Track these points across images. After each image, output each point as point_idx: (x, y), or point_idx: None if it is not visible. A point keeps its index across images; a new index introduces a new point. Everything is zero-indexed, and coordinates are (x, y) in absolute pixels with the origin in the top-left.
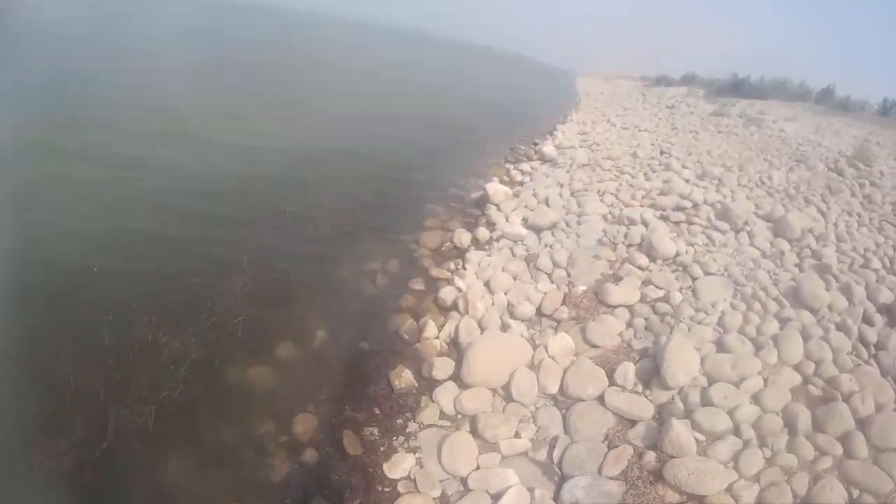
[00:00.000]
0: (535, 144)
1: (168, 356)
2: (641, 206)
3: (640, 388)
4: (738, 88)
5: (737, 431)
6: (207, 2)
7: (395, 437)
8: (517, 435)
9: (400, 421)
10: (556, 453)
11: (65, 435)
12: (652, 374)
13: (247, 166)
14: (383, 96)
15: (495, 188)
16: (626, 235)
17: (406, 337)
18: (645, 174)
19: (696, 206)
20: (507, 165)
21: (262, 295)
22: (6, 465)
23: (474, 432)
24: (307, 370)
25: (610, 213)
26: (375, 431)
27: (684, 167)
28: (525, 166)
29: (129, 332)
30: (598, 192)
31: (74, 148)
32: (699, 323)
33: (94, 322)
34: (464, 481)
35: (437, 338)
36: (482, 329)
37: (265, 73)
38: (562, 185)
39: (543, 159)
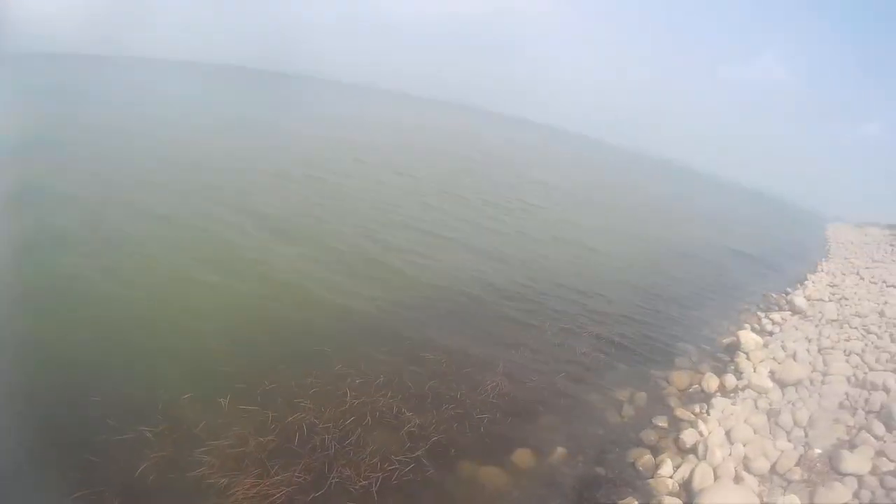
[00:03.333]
0: (787, 294)
1: (408, 432)
2: (885, 370)
3: None
4: None
5: None
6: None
7: None
8: None
9: None
10: None
11: (287, 470)
12: None
13: (533, 272)
14: (646, 230)
15: (747, 336)
16: (866, 401)
17: (641, 470)
18: (891, 335)
19: None
20: (759, 313)
21: (510, 400)
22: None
23: None
24: (539, 482)
25: (854, 375)
26: None
27: None
28: (776, 316)
29: (373, 399)
30: (844, 351)
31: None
32: None
33: (340, 382)
34: None
35: (671, 477)
36: (716, 477)
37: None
38: (810, 341)
39: (794, 310)
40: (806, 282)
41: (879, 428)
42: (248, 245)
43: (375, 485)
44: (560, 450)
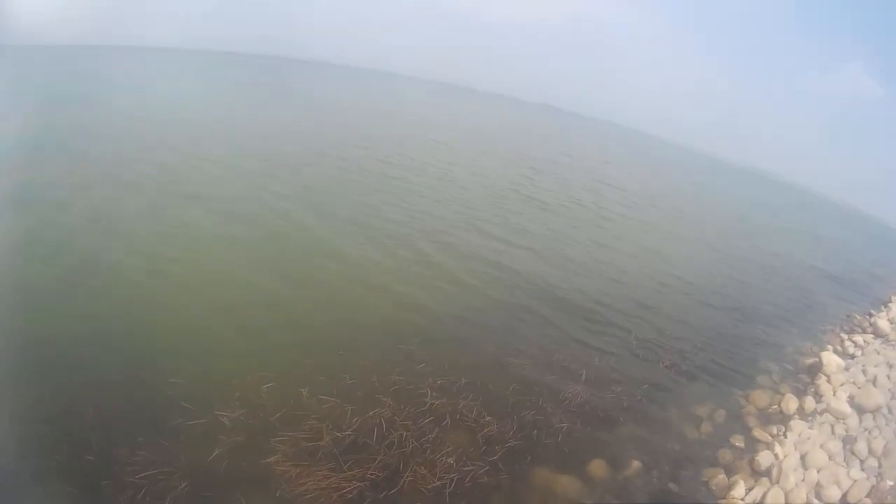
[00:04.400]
0: (870, 315)
1: (485, 436)
2: None
3: None
4: None
5: None
6: None
7: None
8: None
9: None
10: None
11: (361, 465)
12: None
13: (612, 284)
14: (727, 241)
15: (829, 358)
16: None
17: (714, 490)
18: None
19: None
20: (843, 335)
21: (590, 409)
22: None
23: None
24: (612, 494)
25: None
26: None
27: None
28: (859, 338)
29: (453, 401)
30: None
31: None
32: None
33: (422, 381)
34: None
35: (743, 500)
36: (787, 503)
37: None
38: (891, 367)
39: (877, 333)
40: (890, 303)
41: None
42: (341, 243)
43: (449, 486)
44: (636, 463)
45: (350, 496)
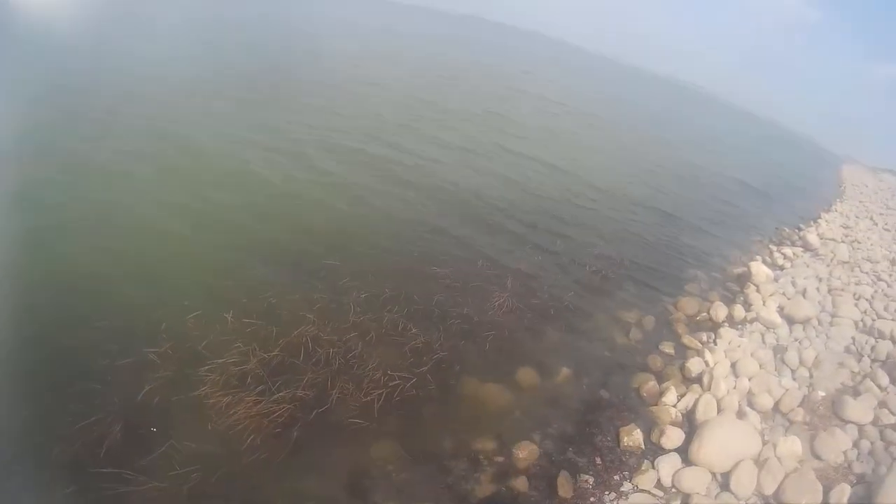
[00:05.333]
0: (799, 230)
1: (412, 348)
2: (893, 319)
3: None
4: None
5: None
6: None
7: (607, 493)
8: None
9: (616, 478)
10: None
11: (290, 386)
12: (864, 502)
13: (535, 185)
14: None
15: (758, 268)
16: (872, 349)
17: (645, 396)
18: None
19: None
20: (772, 246)
21: (518, 317)
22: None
23: None
24: (542, 401)
25: (862, 320)
26: (591, 480)
27: None
28: (788, 251)
29: (379, 314)
30: (854, 295)
31: None
32: None
33: (345, 296)
34: None
35: (675, 406)
36: (720, 410)
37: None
38: (820, 280)
39: (806, 247)
40: (819, 220)
41: (884, 378)
42: (252, 157)
43: (378, 401)
44: (565, 370)
45: (281, 419)
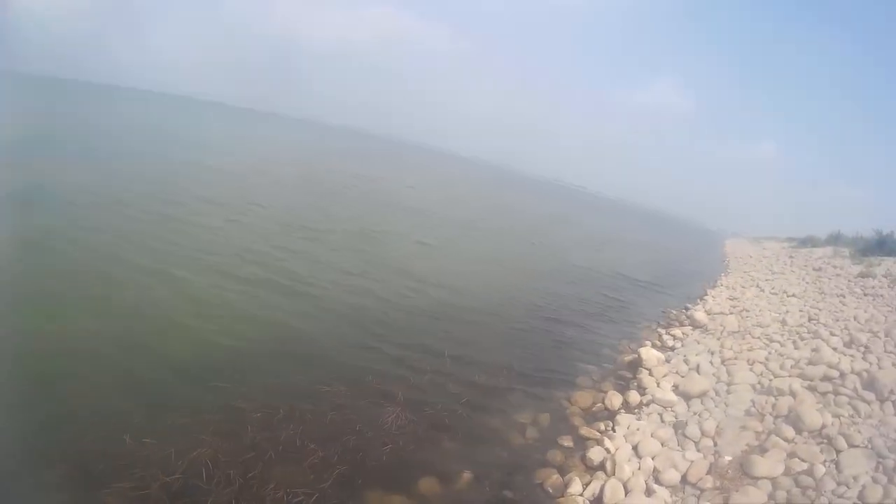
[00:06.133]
0: (687, 309)
1: (311, 464)
2: (790, 375)
3: None
4: (883, 246)
5: None
6: None
7: None
8: None
9: None
10: None
11: None
12: None
13: (415, 299)
14: (536, 255)
15: (648, 353)
16: (773, 406)
17: (550, 491)
18: (794, 342)
19: (843, 375)
20: (660, 330)
21: (412, 428)
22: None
23: None
24: None
25: (759, 382)
26: None
27: (832, 334)
28: (677, 331)
29: (275, 433)
30: (748, 360)
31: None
32: (840, 497)
33: (240, 416)
34: None
35: (581, 495)
36: (627, 492)
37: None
38: (712, 353)
39: (695, 325)
40: (706, 297)
41: (789, 431)
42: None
43: None
44: (466, 475)
45: None
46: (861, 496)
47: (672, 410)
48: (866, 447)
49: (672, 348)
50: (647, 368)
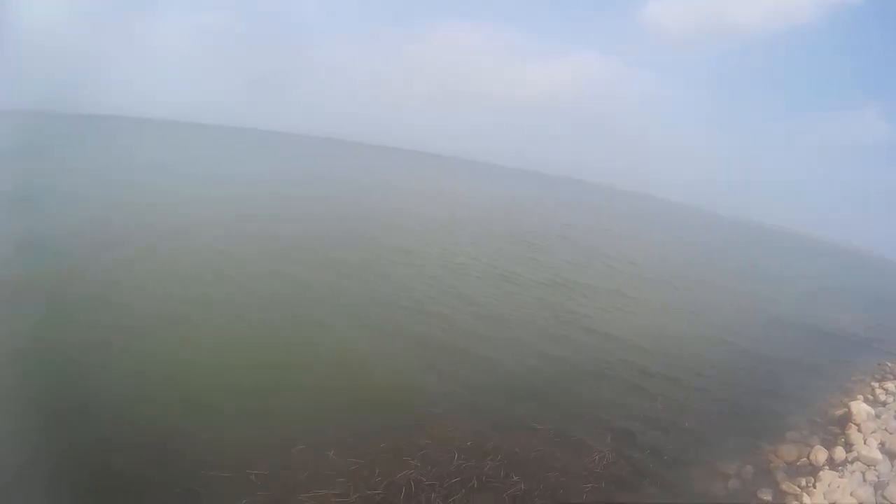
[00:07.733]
0: None
1: (512, 495)
2: None
3: None
4: None
5: None
6: None
7: None
8: None
9: None
10: None
11: None
12: None
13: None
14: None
15: (858, 407)
16: None
17: None
18: None
19: None
20: (873, 383)
21: (615, 470)
22: None
23: None
24: None
25: None
26: None
27: None
28: (890, 385)
29: (480, 463)
30: None
31: None
32: None
33: (449, 442)
34: None
35: None
36: None
37: None
38: None
39: None
40: None
41: None
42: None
43: None
44: None
45: None
46: None
47: (875, 469)
48: None
49: (884, 403)
50: (856, 423)
